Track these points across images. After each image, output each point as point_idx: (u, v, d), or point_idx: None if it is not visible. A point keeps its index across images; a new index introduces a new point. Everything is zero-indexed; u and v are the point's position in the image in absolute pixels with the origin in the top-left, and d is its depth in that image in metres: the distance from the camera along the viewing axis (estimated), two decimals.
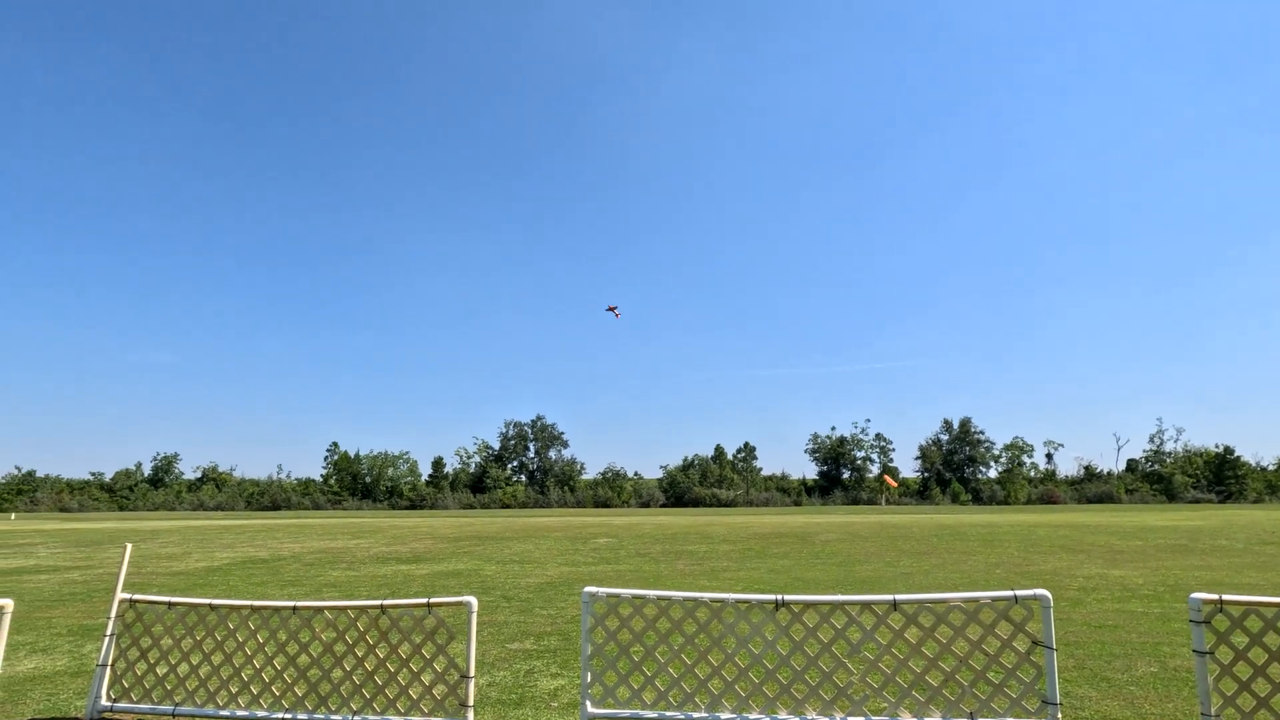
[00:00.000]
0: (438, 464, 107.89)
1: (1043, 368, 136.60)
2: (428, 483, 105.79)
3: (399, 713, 4.74)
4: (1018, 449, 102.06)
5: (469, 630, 4.75)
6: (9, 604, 4.94)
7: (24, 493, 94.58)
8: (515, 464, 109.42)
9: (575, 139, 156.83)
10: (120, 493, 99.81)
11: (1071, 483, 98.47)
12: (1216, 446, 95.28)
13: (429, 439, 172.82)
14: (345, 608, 5.09)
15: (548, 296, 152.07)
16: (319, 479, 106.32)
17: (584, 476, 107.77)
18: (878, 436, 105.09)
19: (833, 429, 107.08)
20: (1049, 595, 4.42)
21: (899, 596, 4.60)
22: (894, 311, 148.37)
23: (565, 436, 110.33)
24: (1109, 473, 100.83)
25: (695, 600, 4.82)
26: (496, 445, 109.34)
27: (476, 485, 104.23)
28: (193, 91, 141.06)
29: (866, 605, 4.67)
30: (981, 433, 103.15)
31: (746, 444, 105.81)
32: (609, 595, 4.90)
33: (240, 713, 4.96)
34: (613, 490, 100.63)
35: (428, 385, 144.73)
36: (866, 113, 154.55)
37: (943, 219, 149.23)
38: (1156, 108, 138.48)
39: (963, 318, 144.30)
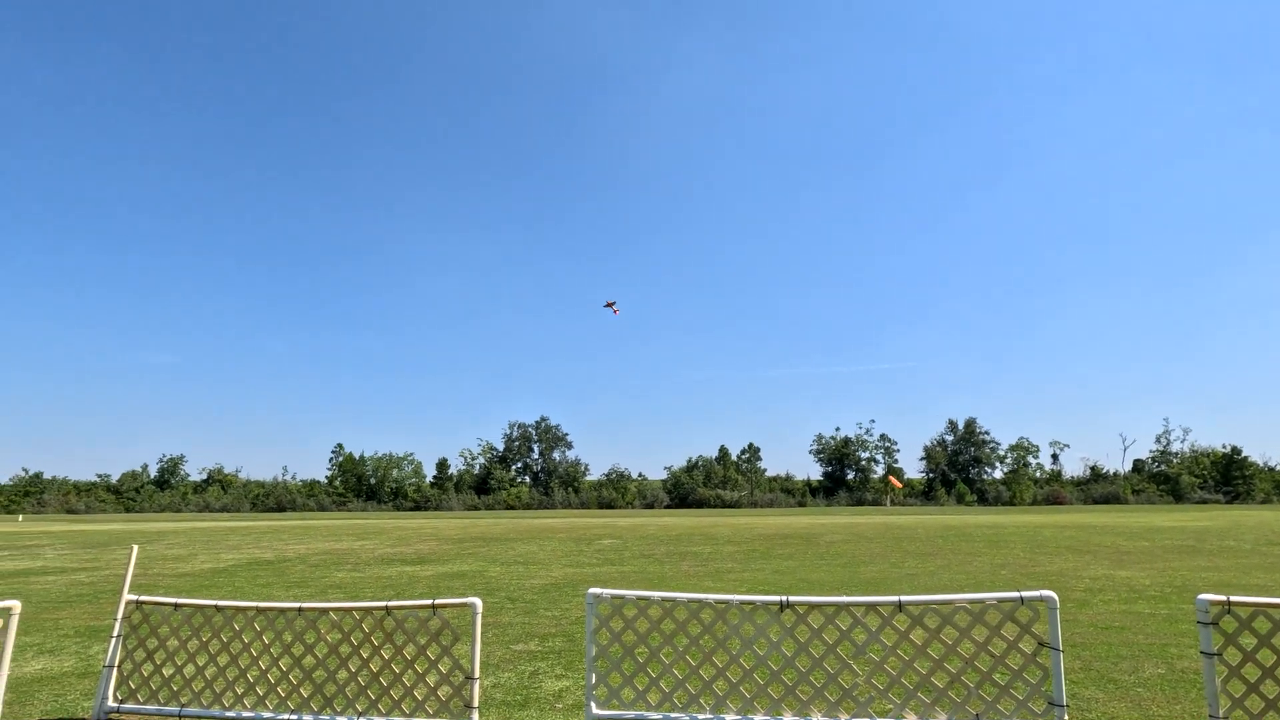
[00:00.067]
0: (442, 465, 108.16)
1: (1047, 368, 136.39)
2: (432, 484, 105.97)
3: (404, 714, 4.75)
4: (1023, 450, 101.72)
5: (473, 632, 4.75)
6: (17, 605, 4.96)
7: (31, 494, 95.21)
8: (519, 465, 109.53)
9: (575, 139, 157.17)
10: (126, 494, 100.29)
11: (1077, 483, 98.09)
12: (1223, 447, 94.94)
13: (433, 440, 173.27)
14: (350, 609, 5.10)
15: (549, 297, 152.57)
16: (324, 480, 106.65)
17: (588, 478, 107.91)
18: (882, 437, 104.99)
19: (837, 430, 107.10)
20: (1055, 596, 4.40)
21: (904, 598, 4.58)
22: (897, 312, 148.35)
23: (569, 438, 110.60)
24: (1115, 473, 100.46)
25: (700, 601, 4.81)
26: (501, 446, 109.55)
27: (481, 486, 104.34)
28: (193, 91, 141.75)
29: (871, 606, 4.66)
30: (986, 433, 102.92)
31: (751, 445, 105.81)
32: (613, 597, 4.90)
33: (246, 714, 4.98)
34: (617, 491, 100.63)
35: (431, 386, 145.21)
36: (867, 113, 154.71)
37: (944, 219, 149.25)
38: (1157, 107, 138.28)
39: (966, 318, 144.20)
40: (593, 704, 4.69)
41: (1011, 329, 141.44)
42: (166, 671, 5.33)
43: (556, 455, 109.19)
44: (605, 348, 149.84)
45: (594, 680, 4.72)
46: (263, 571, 15.63)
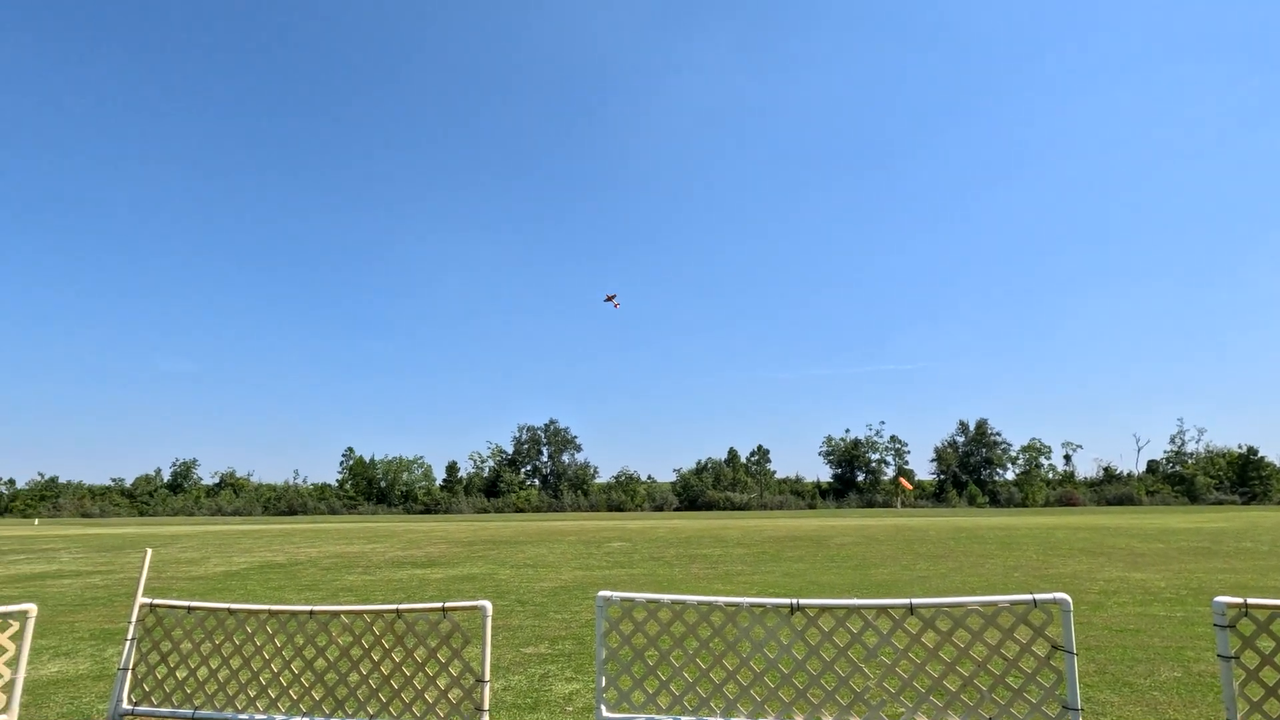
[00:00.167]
0: (452, 468, 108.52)
1: (1059, 368, 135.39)
2: (442, 487, 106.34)
3: (415, 717, 4.76)
4: (1035, 451, 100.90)
5: (484, 634, 4.76)
6: (33, 608, 5.02)
7: (47, 498, 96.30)
8: (529, 468, 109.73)
9: (576, 139, 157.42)
10: (140, 498, 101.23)
11: (1091, 484, 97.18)
12: (1239, 447, 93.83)
13: (442, 443, 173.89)
14: (361, 612, 5.12)
15: (553, 298, 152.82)
16: (334, 484, 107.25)
17: (597, 480, 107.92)
18: (892, 438, 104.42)
19: (847, 431, 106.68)
20: (1069, 599, 4.35)
21: (915, 600, 4.55)
22: (907, 313, 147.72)
23: (578, 440, 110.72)
24: (1129, 474, 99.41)
25: (710, 604, 4.80)
26: (510, 449, 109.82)
27: (490, 489, 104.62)
28: (193, 91, 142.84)
29: (883, 609, 4.63)
30: (998, 434, 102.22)
31: (760, 447, 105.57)
32: (623, 599, 4.90)
33: (258, 716, 5.01)
34: (626, 494, 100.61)
35: (440, 389, 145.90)
36: (868, 113, 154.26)
37: (955, 219, 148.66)
38: (1174, 105, 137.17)
39: (977, 318, 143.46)
40: (603, 707, 4.69)
41: (1022, 329, 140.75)
42: (180, 674, 5.37)
43: (566, 458, 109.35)
44: (613, 349, 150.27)
45: (604, 683, 4.72)
46: (275, 575, 15.73)
